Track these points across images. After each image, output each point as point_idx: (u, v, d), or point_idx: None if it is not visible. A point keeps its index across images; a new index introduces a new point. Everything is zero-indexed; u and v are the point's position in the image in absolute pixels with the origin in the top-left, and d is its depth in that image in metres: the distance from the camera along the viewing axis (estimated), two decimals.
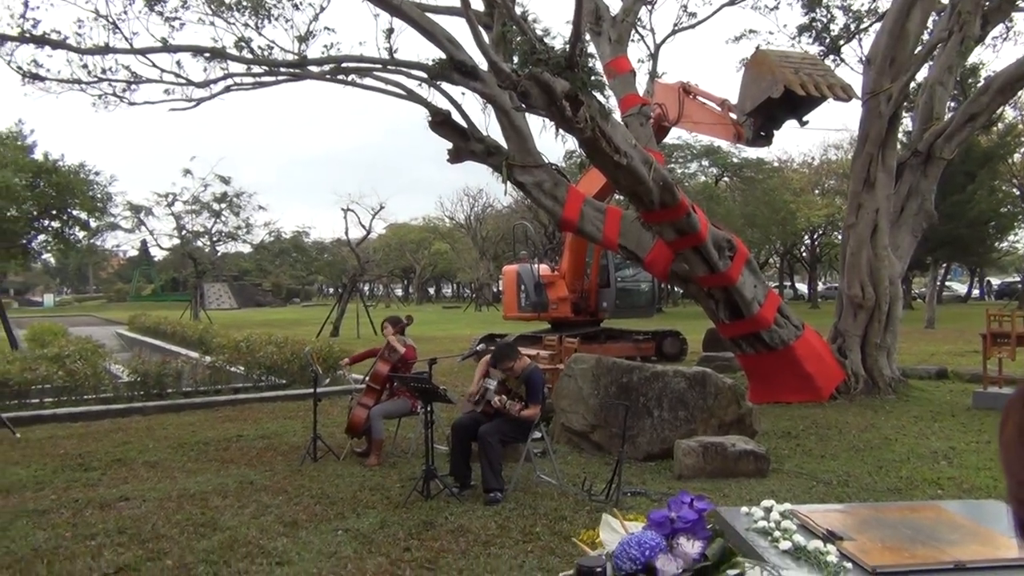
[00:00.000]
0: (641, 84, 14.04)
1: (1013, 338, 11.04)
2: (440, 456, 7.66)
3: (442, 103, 10.64)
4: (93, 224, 25.86)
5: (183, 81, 11.28)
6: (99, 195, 23.69)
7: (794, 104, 11.17)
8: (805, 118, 11.68)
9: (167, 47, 10.85)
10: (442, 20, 10.45)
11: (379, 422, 8.20)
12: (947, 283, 53.04)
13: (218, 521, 6.22)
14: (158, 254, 68.82)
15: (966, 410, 11.03)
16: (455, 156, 10.67)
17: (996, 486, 7.07)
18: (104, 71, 11.26)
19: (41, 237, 23.40)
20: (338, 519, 6.25)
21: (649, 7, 15.39)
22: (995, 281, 66.34)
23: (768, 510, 3.53)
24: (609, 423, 8.43)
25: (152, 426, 10.62)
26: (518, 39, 9.67)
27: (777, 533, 3.47)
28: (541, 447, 7.94)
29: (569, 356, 12.38)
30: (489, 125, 11.32)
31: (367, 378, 8.60)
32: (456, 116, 10.54)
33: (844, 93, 10.91)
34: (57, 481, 7.64)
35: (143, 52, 10.72)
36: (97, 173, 24.09)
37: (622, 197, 19.14)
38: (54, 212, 22.12)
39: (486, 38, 9.05)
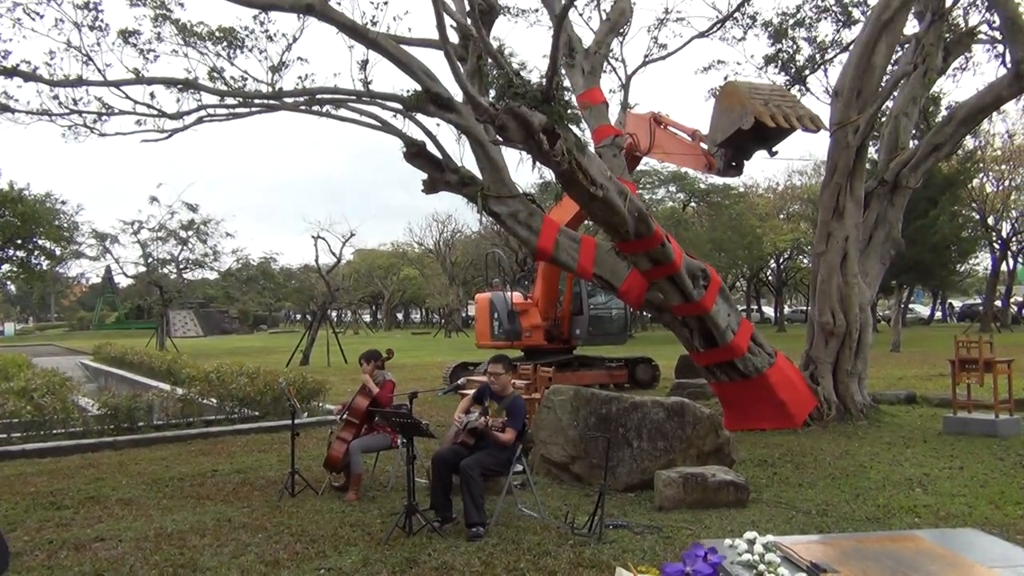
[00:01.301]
0: (613, 114, 14.19)
1: (981, 364, 11.23)
2: (420, 490, 7.61)
3: (417, 134, 10.68)
4: (58, 253, 25.53)
5: (156, 113, 11.21)
6: (65, 224, 23.41)
7: (764, 135, 11.31)
8: (775, 148, 11.86)
9: (140, 79, 10.78)
10: (415, 52, 10.49)
11: (358, 456, 8.15)
12: (910, 305, 53.85)
13: (198, 562, 6.13)
14: (123, 282, 67.99)
15: (937, 435, 11.18)
16: (430, 187, 10.69)
17: (971, 513, 7.18)
18: (75, 102, 11.15)
19: (5, 267, 23.04)
20: (320, 557, 6.19)
21: (621, 39, 15.57)
22: (956, 303, 67.47)
23: (751, 542, 3.56)
24: (589, 454, 8.44)
25: (124, 461, 10.45)
26: (494, 72, 9.75)
27: (762, 567, 3.50)
28: (521, 479, 7.93)
29: (543, 385, 12.41)
30: (464, 156, 11.38)
31: (346, 412, 8.53)
32: (431, 147, 10.58)
33: (813, 124, 11.09)
34: (29, 521, 7.49)
35: (116, 84, 10.64)
36: (64, 202, 23.90)
37: (591, 224, 19.33)
38: (19, 241, 21.80)
39: (462, 71, 9.10)
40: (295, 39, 11.76)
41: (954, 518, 7.04)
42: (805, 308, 67.91)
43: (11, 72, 10.23)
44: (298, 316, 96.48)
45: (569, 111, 8.98)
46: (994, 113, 23.48)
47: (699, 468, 7.80)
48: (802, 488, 8.26)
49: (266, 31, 11.76)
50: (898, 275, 30.29)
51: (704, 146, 12.58)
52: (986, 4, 14.49)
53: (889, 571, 3.61)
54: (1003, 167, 44.56)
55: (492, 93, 9.63)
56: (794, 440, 10.90)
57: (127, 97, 11.10)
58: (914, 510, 7.33)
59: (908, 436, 11.14)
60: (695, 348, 11.87)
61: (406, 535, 6.60)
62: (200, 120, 11.59)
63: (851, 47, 13.77)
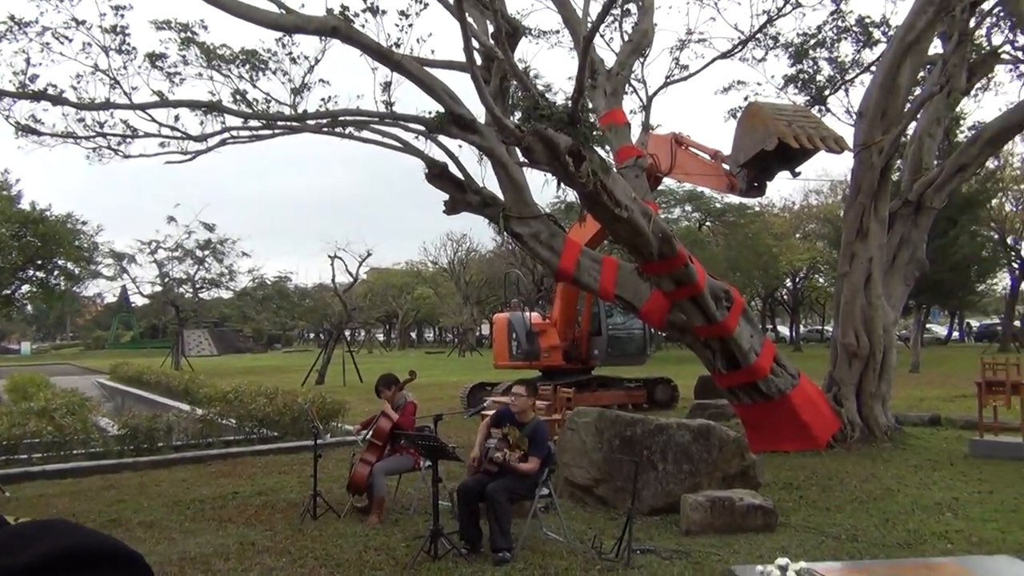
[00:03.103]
0: (634, 135, 14.19)
1: (1008, 386, 11.10)
2: (443, 512, 7.55)
3: (439, 155, 10.70)
4: (77, 272, 25.70)
5: (180, 135, 11.28)
6: (85, 245, 23.55)
7: (787, 155, 11.31)
8: (798, 169, 11.84)
9: (165, 102, 10.86)
10: (438, 73, 10.54)
11: (381, 479, 8.10)
12: (927, 325, 53.49)
13: None
14: (138, 301, 68.33)
15: (963, 458, 11.04)
16: (451, 207, 10.70)
17: (1005, 539, 7.07)
18: (101, 125, 11.25)
19: (25, 287, 23.19)
20: None
21: (642, 60, 15.60)
22: (974, 323, 66.94)
23: (784, 568, 3.51)
24: (613, 477, 8.37)
25: (144, 483, 10.43)
26: (519, 94, 9.75)
27: None
28: (545, 503, 7.85)
29: (563, 405, 12.35)
30: (485, 176, 11.38)
31: (370, 434, 8.48)
32: (453, 168, 10.60)
33: (836, 145, 11.07)
34: None
35: (142, 107, 10.72)
36: (84, 223, 24.00)
37: (609, 243, 19.31)
38: (39, 262, 21.95)
39: (487, 92, 9.11)
40: (317, 61, 11.87)
41: (987, 544, 6.93)
42: (821, 328, 67.67)
43: (39, 96, 10.32)
44: (312, 335, 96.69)
45: (594, 133, 8.97)
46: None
47: (726, 492, 7.71)
48: (830, 512, 8.15)
49: (289, 53, 11.87)
50: (917, 295, 30.09)
51: (726, 166, 12.56)
52: (1010, 24, 14.44)
53: None
54: (1023, 187, 44.36)
55: (517, 115, 9.63)
56: (818, 462, 10.78)
57: (152, 120, 11.20)
58: (946, 536, 7.21)
59: (934, 459, 11.00)
60: (717, 369, 11.78)
61: (431, 560, 6.54)
62: (223, 142, 11.68)
63: (875, 68, 13.75)
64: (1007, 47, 14.85)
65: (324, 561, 6.70)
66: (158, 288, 45.54)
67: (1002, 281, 49.95)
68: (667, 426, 8.41)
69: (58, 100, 10.39)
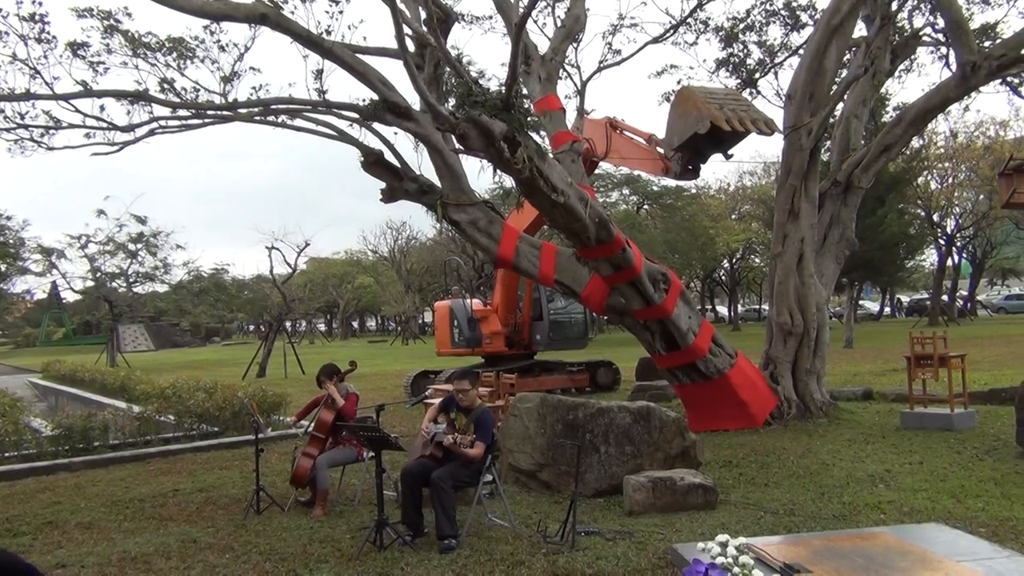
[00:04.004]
0: (569, 120, 14.24)
1: (936, 360, 11.45)
2: (388, 502, 7.53)
3: (374, 143, 10.60)
4: (3, 269, 24.89)
5: (106, 126, 10.98)
6: (11, 240, 22.81)
7: (719, 138, 11.47)
8: (730, 151, 12.03)
9: (89, 92, 10.55)
10: (371, 60, 10.42)
11: (325, 472, 8.05)
12: (860, 302, 54.87)
13: None
14: (70, 297, 66.53)
15: (895, 431, 11.38)
16: (389, 196, 10.62)
17: (934, 508, 7.32)
18: (22, 116, 10.88)
19: None
20: None
21: (576, 45, 15.64)
22: (904, 299, 68.87)
23: (724, 545, 3.59)
24: (557, 461, 8.44)
25: (81, 483, 10.19)
26: (452, 80, 9.71)
27: (736, 569, 3.53)
28: (490, 488, 7.89)
29: (507, 391, 12.39)
30: (422, 164, 11.32)
31: (312, 427, 8.42)
32: (389, 156, 10.52)
33: (767, 128, 11.26)
34: None
35: (65, 98, 10.38)
36: (9, 218, 23.24)
37: (547, 229, 19.37)
38: None
39: (420, 79, 9.06)
40: (247, 49, 11.62)
41: (918, 513, 7.17)
42: (758, 307, 68.96)
43: None
44: (251, 327, 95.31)
45: (529, 119, 8.98)
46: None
47: (667, 472, 7.83)
48: (768, 488, 8.34)
49: (217, 41, 11.62)
50: (849, 272, 30.83)
51: (660, 150, 12.70)
52: (930, 7, 14.83)
53: (861, 569, 3.67)
54: (947, 165, 45.71)
55: (451, 101, 9.59)
56: (757, 440, 11.02)
57: (76, 110, 10.86)
58: (879, 507, 7.44)
59: (867, 433, 11.32)
60: (657, 351, 11.93)
61: (377, 550, 6.53)
62: (152, 132, 11.39)
63: (802, 51, 14.00)
64: (928, 29, 15.26)
65: (268, 556, 6.64)
66: (90, 283, 44.34)
67: (930, 257, 51.47)
68: (608, 409, 8.50)
69: None
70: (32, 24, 10.28)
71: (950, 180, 46.75)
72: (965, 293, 58.53)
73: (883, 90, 21.08)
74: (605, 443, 8.32)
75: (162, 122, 11.42)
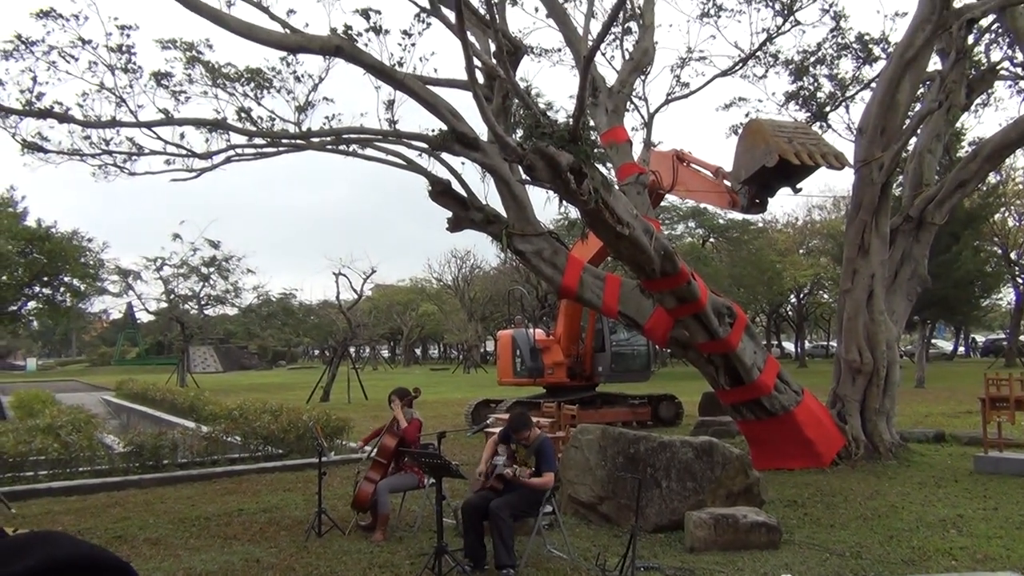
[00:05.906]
0: (636, 152, 14.26)
1: (1012, 402, 11.09)
2: (448, 529, 7.56)
3: (442, 173, 10.76)
4: (83, 289, 25.80)
5: (185, 153, 11.37)
6: (91, 262, 23.66)
7: (788, 172, 11.36)
8: (799, 185, 11.89)
9: (170, 120, 10.95)
10: (441, 91, 10.61)
11: (386, 497, 8.12)
12: (933, 341, 53.39)
13: None
14: (144, 317, 68.56)
15: (968, 475, 11.01)
16: (455, 225, 10.75)
17: (1009, 555, 7.06)
18: (107, 142, 11.34)
19: (31, 304, 23.29)
20: None
21: (643, 78, 15.68)
22: (980, 338, 66.82)
23: None
24: (617, 494, 8.37)
25: (150, 500, 10.45)
26: (521, 112, 9.82)
27: None
28: (549, 520, 7.86)
29: (567, 423, 12.35)
30: (488, 194, 11.44)
31: (374, 452, 8.51)
32: (456, 185, 10.66)
33: (837, 161, 11.12)
34: None
35: (147, 125, 10.81)
36: (90, 240, 24.13)
37: (612, 260, 19.33)
38: (45, 279, 22.05)
39: (489, 111, 9.18)
40: (321, 79, 11.95)
41: (992, 561, 6.93)
42: (826, 343, 67.52)
43: (44, 113, 10.41)
44: (316, 352, 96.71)
45: (596, 150, 9.03)
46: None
47: (730, 509, 7.71)
48: (834, 529, 8.15)
49: (293, 72, 11.97)
50: (921, 310, 30.10)
51: (727, 183, 12.62)
52: (1009, 40, 14.52)
53: None
54: None
55: (519, 132, 9.69)
56: (823, 479, 10.77)
57: (158, 137, 11.28)
58: (950, 552, 7.21)
59: (939, 476, 10.98)
60: (721, 386, 11.79)
61: None
62: (228, 160, 11.75)
63: (874, 84, 13.82)
64: (1006, 63, 14.93)
65: None
66: (163, 305, 45.74)
67: (1007, 296, 49.88)
68: (670, 443, 8.42)
69: (64, 118, 10.48)
70: (119, 55, 10.73)
71: None
72: None
73: (958, 125, 20.64)
74: (667, 478, 8.23)
75: (238, 150, 11.77)
